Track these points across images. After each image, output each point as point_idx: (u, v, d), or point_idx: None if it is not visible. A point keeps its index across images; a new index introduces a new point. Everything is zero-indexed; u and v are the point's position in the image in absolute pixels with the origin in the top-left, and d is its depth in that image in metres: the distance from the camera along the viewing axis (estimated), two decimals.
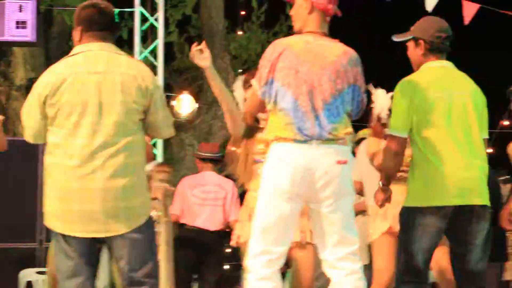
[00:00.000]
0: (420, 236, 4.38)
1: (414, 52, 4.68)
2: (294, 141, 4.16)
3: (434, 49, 4.62)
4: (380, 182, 4.64)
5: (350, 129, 4.29)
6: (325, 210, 4.18)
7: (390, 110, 5.33)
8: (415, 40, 4.66)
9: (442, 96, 4.49)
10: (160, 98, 4.18)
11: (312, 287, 4.92)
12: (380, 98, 5.40)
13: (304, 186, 4.14)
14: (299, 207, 4.24)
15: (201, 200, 7.55)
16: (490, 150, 12.85)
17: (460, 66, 4.67)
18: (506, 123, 14.38)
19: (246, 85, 4.87)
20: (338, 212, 4.18)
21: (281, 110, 4.21)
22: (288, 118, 4.18)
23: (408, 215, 4.45)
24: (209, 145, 8.22)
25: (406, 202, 4.50)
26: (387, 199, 4.64)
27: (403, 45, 4.76)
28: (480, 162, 4.51)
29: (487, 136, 4.64)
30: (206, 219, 7.50)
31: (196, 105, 11.55)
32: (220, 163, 7.81)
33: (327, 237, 4.21)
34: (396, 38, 4.74)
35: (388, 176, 4.61)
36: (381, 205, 4.67)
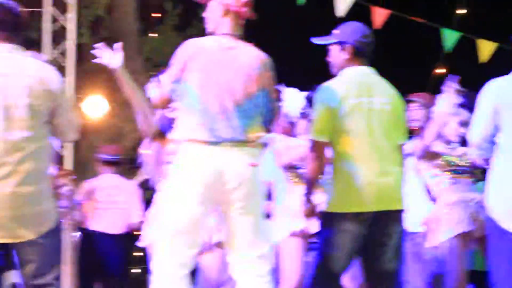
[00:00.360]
0: (340, 242, 4.41)
1: (338, 56, 4.69)
2: (205, 143, 4.15)
3: (359, 54, 4.65)
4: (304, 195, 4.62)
5: (262, 132, 4.31)
6: (235, 213, 4.18)
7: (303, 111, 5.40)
8: (341, 44, 4.67)
9: (362, 102, 4.52)
10: (66, 101, 4.11)
11: None
12: (291, 97, 5.44)
13: (215, 189, 4.14)
14: (210, 210, 4.23)
15: (102, 204, 7.47)
16: None
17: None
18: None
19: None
20: (248, 215, 4.19)
21: (192, 111, 4.19)
22: (200, 119, 4.17)
23: (328, 221, 4.47)
24: (109, 147, 8.11)
25: (326, 207, 4.52)
26: (312, 211, 4.62)
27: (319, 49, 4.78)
28: (398, 168, 4.58)
29: (405, 142, 4.72)
30: (108, 223, 7.43)
31: (107, 107, 11.43)
32: (121, 165, 7.75)
33: (236, 240, 4.21)
34: (318, 41, 4.74)
35: (310, 180, 4.58)
36: (308, 216, 4.63)
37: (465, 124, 5.46)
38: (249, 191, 4.17)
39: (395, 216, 4.53)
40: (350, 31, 4.68)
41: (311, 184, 4.58)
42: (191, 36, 4.16)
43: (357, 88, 4.54)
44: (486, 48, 8.58)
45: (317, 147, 4.53)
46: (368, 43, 4.66)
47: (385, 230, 4.49)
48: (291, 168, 5.32)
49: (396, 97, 4.67)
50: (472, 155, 4.55)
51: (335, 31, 4.72)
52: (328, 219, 4.46)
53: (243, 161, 4.16)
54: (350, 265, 4.52)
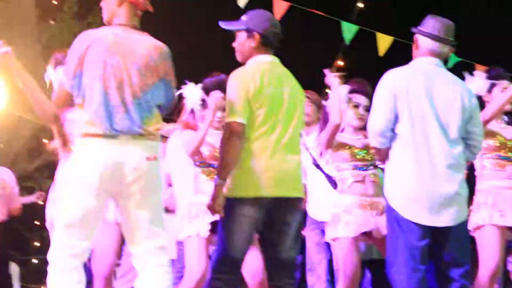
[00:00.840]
0: (239, 227, 4.43)
1: (245, 43, 4.66)
2: (103, 137, 4.12)
3: (267, 43, 4.65)
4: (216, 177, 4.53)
5: (160, 125, 4.29)
6: (133, 206, 4.17)
7: (203, 101, 5.37)
8: (249, 31, 4.64)
9: (271, 91, 4.53)
10: None
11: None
12: (191, 92, 5.42)
13: (113, 182, 4.11)
14: (106, 203, 4.22)
15: None
16: None
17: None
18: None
19: (57, 64, 4.78)
20: (146, 207, 4.18)
21: (90, 104, 4.14)
22: (97, 112, 4.13)
23: (228, 206, 4.47)
24: None
25: (227, 193, 4.50)
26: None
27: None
28: (298, 157, 4.62)
29: (303, 131, 4.77)
30: None
31: (7, 95, 11.16)
32: None
33: (135, 232, 4.20)
34: (225, 26, 4.69)
35: (227, 164, 4.47)
36: (215, 212, 4.56)
37: (358, 105, 5.52)
38: (147, 184, 4.16)
39: (294, 204, 4.56)
40: (260, 19, 4.67)
41: (227, 169, 4.47)
42: (91, 24, 4.11)
43: (267, 77, 4.55)
44: (384, 41, 8.74)
45: (238, 129, 4.47)
46: (276, 33, 4.67)
47: (284, 218, 4.52)
48: (203, 163, 5.28)
49: (298, 88, 4.72)
50: (374, 143, 4.64)
51: (243, 18, 4.69)
52: (228, 204, 4.47)
53: (140, 154, 4.14)
54: (245, 254, 4.53)
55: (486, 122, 5.26)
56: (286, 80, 4.64)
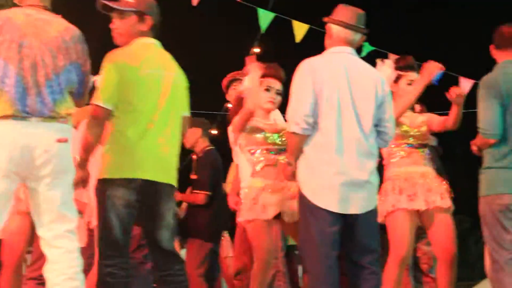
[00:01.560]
0: (114, 209, 4.35)
1: (134, 26, 4.56)
2: (13, 118, 4.07)
3: (155, 28, 4.60)
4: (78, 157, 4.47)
5: (72, 108, 4.25)
6: (43, 188, 4.13)
7: None
8: (141, 14, 4.56)
9: (153, 73, 4.48)
10: None
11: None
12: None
13: (23, 164, 4.07)
14: (16, 185, 4.17)
15: None
16: (215, 132, 13.31)
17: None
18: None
19: None
20: (57, 189, 4.16)
21: (2, 86, 4.09)
22: (9, 94, 4.07)
23: (101, 188, 4.38)
24: None
25: (100, 174, 4.43)
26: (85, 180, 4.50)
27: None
28: (176, 142, 4.57)
29: (188, 115, 4.69)
30: None
31: None
32: None
33: (44, 215, 4.17)
34: (112, 4, 4.54)
35: (86, 147, 4.40)
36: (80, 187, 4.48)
37: (270, 88, 5.55)
38: (57, 167, 4.13)
39: (168, 191, 4.50)
40: (150, 3, 4.61)
41: (87, 155, 4.42)
42: (2, 6, 4.05)
43: (149, 60, 4.50)
44: (300, 29, 8.82)
45: (100, 114, 4.39)
46: (159, 16, 4.63)
47: (156, 206, 4.45)
48: None
49: (180, 73, 4.67)
50: (295, 128, 4.64)
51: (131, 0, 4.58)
52: (101, 186, 4.38)
53: (51, 137, 4.11)
54: (128, 234, 4.45)
55: (396, 118, 5.36)
56: (167, 65, 4.59)
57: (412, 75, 5.60)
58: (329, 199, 4.60)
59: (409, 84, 5.57)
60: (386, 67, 5.61)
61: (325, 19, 4.86)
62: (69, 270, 4.16)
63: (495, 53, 5.12)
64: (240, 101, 5.45)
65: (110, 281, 4.34)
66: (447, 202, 5.44)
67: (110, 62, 4.44)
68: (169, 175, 4.51)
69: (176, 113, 4.58)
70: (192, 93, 5.42)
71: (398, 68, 5.64)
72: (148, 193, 4.41)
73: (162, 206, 4.46)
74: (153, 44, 4.60)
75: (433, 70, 5.42)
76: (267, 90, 5.49)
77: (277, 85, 5.47)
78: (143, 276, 6.02)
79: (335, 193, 4.60)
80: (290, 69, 5.27)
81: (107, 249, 4.38)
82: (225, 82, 6.65)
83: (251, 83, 5.34)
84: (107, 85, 4.39)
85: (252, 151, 5.45)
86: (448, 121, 5.54)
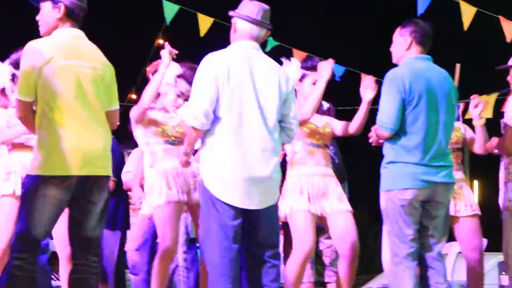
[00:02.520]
0: (42, 207, 4.30)
1: (50, 14, 4.51)
2: None
3: (72, 16, 4.52)
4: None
5: None
6: None
7: (13, 75, 5.25)
8: (55, 2, 4.50)
9: (72, 64, 4.42)
10: None
11: None
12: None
13: None
14: None
15: None
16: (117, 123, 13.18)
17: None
18: (134, 96, 14.81)
19: None
20: None
21: None
22: None
23: (30, 184, 4.34)
24: None
25: (30, 170, 4.39)
26: None
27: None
28: (105, 134, 4.53)
29: (117, 107, 4.66)
30: None
31: None
32: None
33: None
34: None
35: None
36: None
37: (181, 95, 5.58)
38: None
39: (101, 182, 4.48)
40: None
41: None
42: None
43: (66, 50, 4.43)
44: (205, 22, 8.82)
45: (23, 107, 4.37)
46: (82, 7, 4.56)
47: (90, 197, 4.43)
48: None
49: (107, 64, 4.61)
50: (194, 123, 4.63)
51: None
52: (31, 182, 4.33)
53: None
54: (49, 232, 4.44)
55: (308, 116, 5.42)
56: (89, 54, 4.53)
57: (317, 74, 5.61)
58: (231, 194, 4.61)
59: (314, 83, 5.60)
60: (292, 65, 5.64)
61: (231, 13, 4.86)
62: None
63: (406, 47, 5.14)
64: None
65: (18, 274, 4.27)
66: (344, 205, 5.52)
67: (25, 53, 4.38)
68: (104, 167, 4.47)
69: (102, 104, 4.51)
70: None
71: (303, 67, 5.68)
72: (82, 188, 4.38)
73: (95, 197, 4.44)
74: (71, 34, 4.52)
75: (327, 66, 5.50)
76: (179, 96, 5.54)
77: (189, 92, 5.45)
78: None
79: (237, 188, 4.61)
80: (194, 62, 5.26)
81: (24, 243, 4.31)
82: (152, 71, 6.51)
83: (162, 75, 5.35)
84: (23, 77, 4.35)
85: (149, 143, 5.46)
86: (350, 126, 5.64)
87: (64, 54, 4.42)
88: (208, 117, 4.61)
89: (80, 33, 4.56)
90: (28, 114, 4.40)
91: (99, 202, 4.48)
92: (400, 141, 4.99)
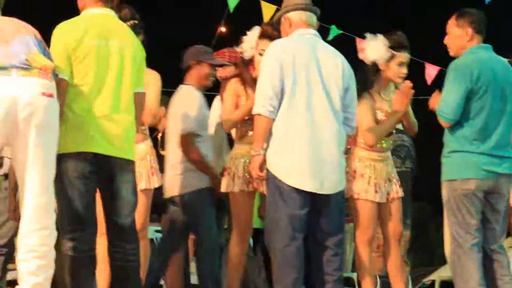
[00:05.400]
0: (70, 182, 4.28)
1: None
2: None
3: None
4: None
5: (50, 63, 4.10)
6: (31, 144, 3.96)
7: None
8: None
9: (99, 44, 4.38)
10: None
11: None
12: None
13: (8, 120, 3.92)
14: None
15: None
16: None
17: None
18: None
19: None
20: (42, 147, 4.02)
21: None
22: None
23: (57, 165, 4.23)
24: None
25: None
26: None
27: None
28: (130, 117, 4.49)
29: (143, 90, 4.60)
30: None
31: None
32: None
33: (30, 171, 4.02)
34: None
35: None
36: None
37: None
38: (43, 122, 4.00)
39: (123, 165, 4.42)
40: None
41: None
42: None
43: (95, 30, 4.40)
44: (268, 10, 8.79)
45: (59, 85, 4.25)
46: None
47: (114, 180, 4.39)
48: None
49: (137, 44, 4.57)
50: (261, 110, 4.58)
51: None
52: (56, 161, 4.21)
53: (35, 90, 3.98)
54: (89, 208, 4.37)
55: (374, 142, 5.28)
56: (118, 34, 4.49)
57: (404, 56, 5.37)
58: (301, 179, 4.58)
59: (400, 65, 5.34)
60: (379, 43, 5.35)
61: (280, 12, 4.88)
62: (40, 248, 4.04)
63: (467, 37, 5.05)
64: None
65: (73, 255, 4.27)
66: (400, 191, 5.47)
67: (55, 33, 4.38)
68: (122, 149, 4.42)
69: (129, 86, 4.46)
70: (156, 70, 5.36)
71: (392, 46, 5.34)
72: (101, 166, 4.35)
73: (117, 180, 4.39)
74: (99, 14, 4.50)
75: (405, 96, 5.22)
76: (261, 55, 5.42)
77: None
78: None
79: (308, 172, 4.59)
80: None
81: (67, 224, 4.30)
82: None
83: None
84: (56, 56, 4.28)
85: None
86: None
87: (94, 33, 4.39)
88: (275, 104, 4.60)
89: (110, 12, 4.53)
90: (63, 92, 4.30)
91: (124, 186, 4.42)
92: (463, 130, 4.91)
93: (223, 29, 11.66)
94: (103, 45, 4.38)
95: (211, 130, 5.98)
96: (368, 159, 5.33)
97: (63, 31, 4.37)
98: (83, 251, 4.29)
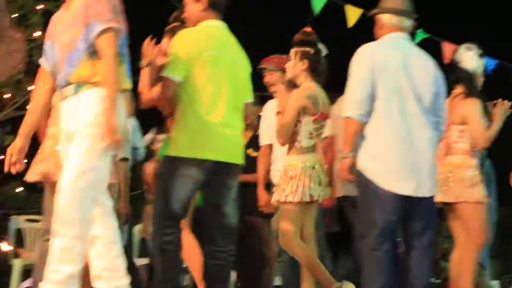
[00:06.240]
0: (179, 186, 4.45)
1: (193, 8, 4.68)
2: None
3: (215, 7, 4.66)
4: None
5: None
6: None
7: None
8: None
9: (219, 54, 4.57)
10: None
11: None
12: None
13: None
14: None
15: None
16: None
17: None
18: None
19: None
20: None
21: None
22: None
23: (171, 165, 4.50)
24: None
25: (168, 151, 4.55)
26: None
27: None
28: (240, 124, 4.69)
29: (252, 100, 4.80)
30: None
31: None
32: None
33: None
34: None
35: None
36: None
37: None
38: None
39: (235, 169, 4.63)
40: None
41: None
42: None
43: (215, 41, 4.59)
44: (353, 14, 8.76)
45: (171, 86, 4.50)
46: None
47: (225, 182, 4.58)
48: None
49: (245, 57, 4.77)
50: (353, 114, 4.61)
51: None
52: (173, 163, 4.50)
53: None
54: (186, 211, 4.57)
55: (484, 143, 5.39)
56: (231, 46, 4.69)
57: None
58: (397, 182, 4.59)
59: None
60: (473, 55, 5.52)
61: (375, 10, 4.84)
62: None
63: None
64: None
65: (169, 248, 4.45)
66: None
67: (178, 39, 4.56)
68: (236, 155, 4.63)
69: (240, 96, 4.67)
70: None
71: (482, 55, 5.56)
72: (217, 173, 4.52)
73: (229, 182, 4.59)
74: (216, 26, 4.67)
75: (503, 110, 5.46)
76: None
77: None
78: None
79: (404, 176, 4.60)
80: (340, 54, 5.24)
81: (166, 220, 4.47)
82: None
83: None
84: (176, 59, 4.49)
85: None
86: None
87: (213, 44, 4.57)
88: (365, 108, 4.59)
89: (223, 25, 4.69)
90: (171, 93, 4.51)
91: (232, 188, 4.60)
92: None
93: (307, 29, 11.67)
94: (221, 55, 4.56)
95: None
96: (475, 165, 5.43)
97: (186, 38, 4.54)
98: (177, 246, 4.47)
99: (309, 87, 5.30)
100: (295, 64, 5.36)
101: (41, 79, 4.32)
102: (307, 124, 5.25)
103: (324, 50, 5.43)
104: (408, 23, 4.82)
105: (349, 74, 4.72)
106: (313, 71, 5.34)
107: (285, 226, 5.12)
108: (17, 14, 12.04)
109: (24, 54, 10.95)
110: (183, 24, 4.87)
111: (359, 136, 4.64)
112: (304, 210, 5.22)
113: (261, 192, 6.19)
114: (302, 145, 5.24)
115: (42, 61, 4.33)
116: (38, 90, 4.30)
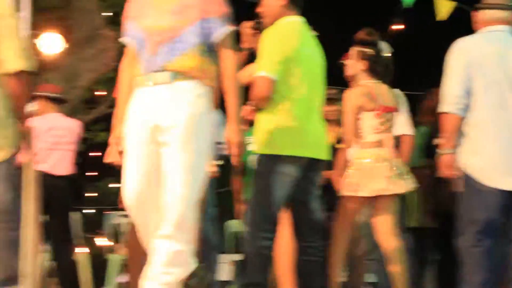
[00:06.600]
0: (280, 185, 4.45)
1: (274, 3, 4.61)
2: None
3: (296, 3, 4.63)
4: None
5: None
6: None
7: None
8: None
9: (307, 51, 4.57)
10: (8, 26, 3.83)
11: None
12: None
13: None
14: None
15: (52, 145, 7.09)
16: None
17: None
18: None
19: None
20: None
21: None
22: None
23: (268, 163, 4.48)
24: (51, 85, 7.63)
25: (264, 150, 4.52)
26: None
27: None
28: (323, 120, 4.73)
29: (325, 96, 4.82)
30: (55, 164, 7.09)
31: (64, 45, 11.27)
32: (64, 103, 7.36)
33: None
34: None
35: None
36: None
37: None
38: None
39: (321, 166, 4.64)
40: None
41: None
42: None
43: (305, 39, 4.58)
44: (444, 6, 8.64)
45: (269, 86, 4.44)
46: None
47: (313, 179, 4.59)
48: None
49: (320, 50, 4.73)
50: (451, 109, 4.53)
51: None
52: (269, 161, 4.47)
53: None
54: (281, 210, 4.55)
55: None
56: (315, 44, 4.69)
57: None
58: (502, 178, 4.50)
59: None
60: None
61: (478, 5, 4.74)
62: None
63: None
64: None
65: (266, 254, 4.46)
66: None
67: (273, 36, 4.49)
68: (324, 152, 4.65)
69: (322, 92, 4.70)
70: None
71: None
72: (310, 170, 4.54)
73: (316, 180, 4.62)
74: (300, 22, 4.65)
75: None
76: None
77: None
78: None
79: (506, 170, 4.51)
80: (430, 47, 5.18)
81: (265, 223, 4.45)
82: None
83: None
84: (271, 57, 4.45)
85: None
86: None
87: (304, 42, 4.57)
88: (463, 102, 4.54)
89: (304, 21, 4.66)
90: (269, 92, 4.44)
91: (317, 184, 4.62)
92: None
93: (399, 26, 11.58)
94: (311, 52, 4.59)
95: None
96: None
97: (280, 35, 4.50)
98: (272, 250, 4.48)
99: (363, 84, 5.29)
100: (354, 64, 5.35)
101: (129, 61, 4.10)
102: (369, 120, 5.24)
103: (387, 50, 5.37)
104: (508, 14, 4.70)
105: (444, 69, 4.66)
106: (372, 71, 5.32)
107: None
108: (109, 13, 12.29)
109: (115, 52, 11.18)
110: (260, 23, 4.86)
111: (458, 132, 4.57)
112: (373, 204, 5.23)
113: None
114: (368, 140, 5.23)
115: (127, 40, 4.09)
116: (126, 75, 4.11)
